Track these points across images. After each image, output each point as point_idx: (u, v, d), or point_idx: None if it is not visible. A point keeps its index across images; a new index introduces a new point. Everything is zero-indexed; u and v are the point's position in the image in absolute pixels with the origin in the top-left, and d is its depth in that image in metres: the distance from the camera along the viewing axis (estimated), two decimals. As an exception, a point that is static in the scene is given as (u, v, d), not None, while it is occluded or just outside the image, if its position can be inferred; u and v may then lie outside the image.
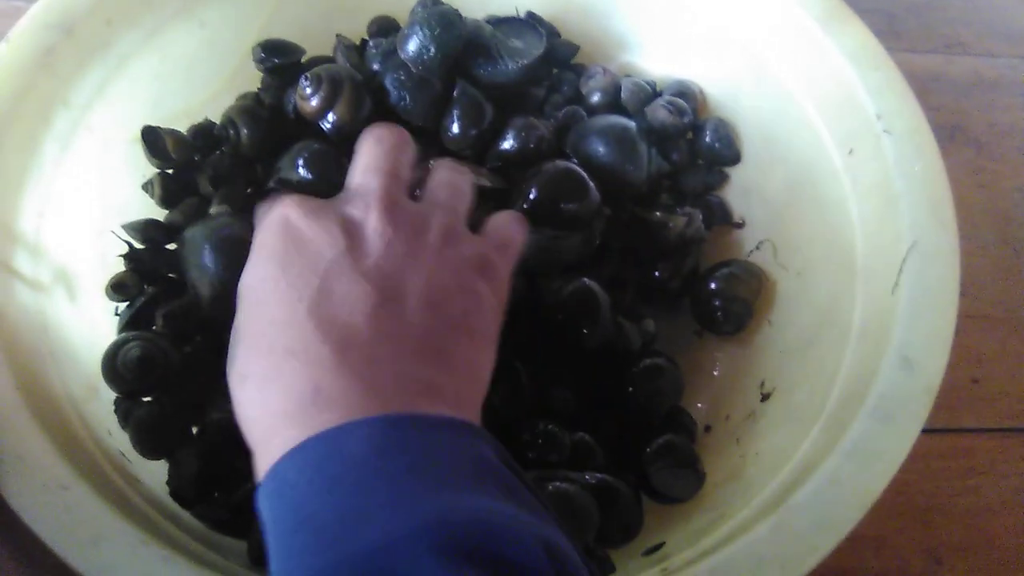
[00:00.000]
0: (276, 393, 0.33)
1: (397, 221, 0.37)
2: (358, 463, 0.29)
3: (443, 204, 0.41)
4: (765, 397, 0.47)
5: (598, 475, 0.42)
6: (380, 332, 0.34)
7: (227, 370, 0.36)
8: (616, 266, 0.51)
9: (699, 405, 0.50)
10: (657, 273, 0.52)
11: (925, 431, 0.40)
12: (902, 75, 0.47)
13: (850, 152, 0.46)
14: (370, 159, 0.41)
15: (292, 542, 0.29)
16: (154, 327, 0.45)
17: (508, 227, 0.43)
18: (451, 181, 0.42)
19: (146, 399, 0.43)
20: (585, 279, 0.47)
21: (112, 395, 0.42)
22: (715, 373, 0.51)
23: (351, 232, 0.37)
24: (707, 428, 0.49)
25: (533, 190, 0.46)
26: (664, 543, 0.41)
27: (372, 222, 0.37)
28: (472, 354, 0.36)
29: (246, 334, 0.36)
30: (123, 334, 0.45)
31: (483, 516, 0.27)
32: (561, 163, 0.47)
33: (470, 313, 0.37)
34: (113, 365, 0.43)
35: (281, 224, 0.38)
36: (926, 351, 0.38)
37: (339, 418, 0.31)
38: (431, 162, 0.49)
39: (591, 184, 0.46)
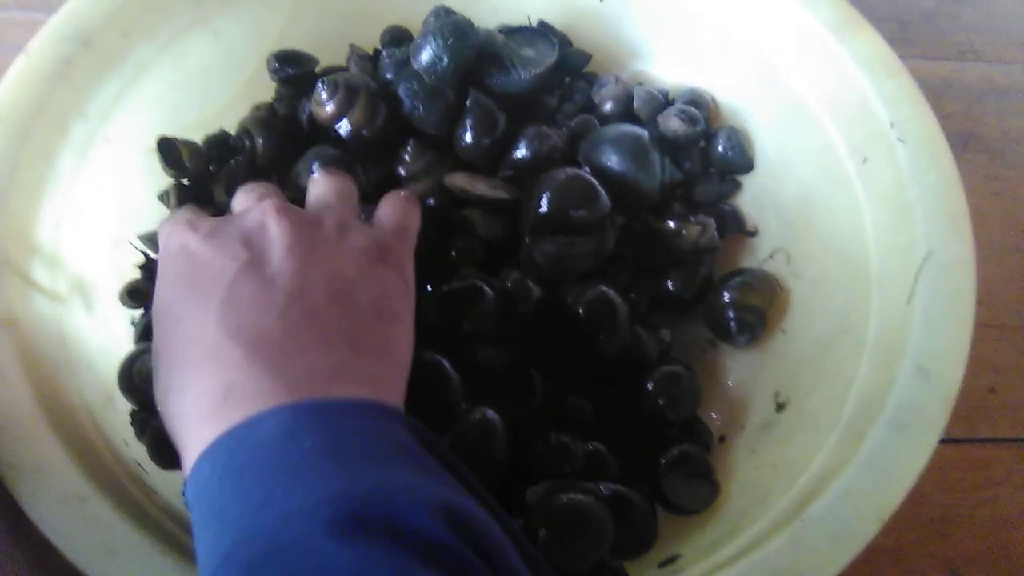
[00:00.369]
0: (192, 399, 0.33)
1: (292, 222, 0.39)
2: (264, 451, 0.30)
3: (331, 204, 0.42)
4: (780, 407, 0.47)
5: (612, 486, 0.42)
6: (289, 328, 0.35)
7: (153, 392, 0.37)
8: (629, 275, 0.51)
9: (713, 415, 0.50)
10: (670, 282, 0.52)
11: (941, 441, 0.40)
12: (916, 83, 0.46)
13: (864, 160, 0.46)
14: (248, 195, 0.43)
15: (204, 536, 0.30)
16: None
17: (398, 211, 0.44)
18: (334, 186, 0.43)
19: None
20: (602, 287, 0.47)
21: (128, 405, 0.43)
22: (729, 383, 0.51)
23: (250, 242, 0.38)
24: (722, 438, 0.49)
25: (543, 198, 0.46)
26: (679, 555, 0.41)
27: (270, 227, 0.38)
28: (384, 336, 0.37)
29: (163, 353, 0.36)
30: (139, 345, 0.45)
31: (381, 487, 0.28)
32: (570, 170, 0.47)
33: (377, 299, 0.38)
34: (129, 376, 0.43)
35: (180, 251, 0.39)
36: (943, 361, 0.38)
37: (250, 413, 0.31)
38: (445, 178, 0.49)
39: (601, 190, 0.46)
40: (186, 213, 0.41)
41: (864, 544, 0.34)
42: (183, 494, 0.32)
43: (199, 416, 0.33)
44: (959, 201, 0.43)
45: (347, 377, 0.34)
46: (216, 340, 0.34)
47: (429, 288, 0.45)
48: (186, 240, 0.39)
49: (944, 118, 0.46)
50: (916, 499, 0.51)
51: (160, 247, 0.41)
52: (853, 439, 0.38)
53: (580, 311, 0.46)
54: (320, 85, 0.48)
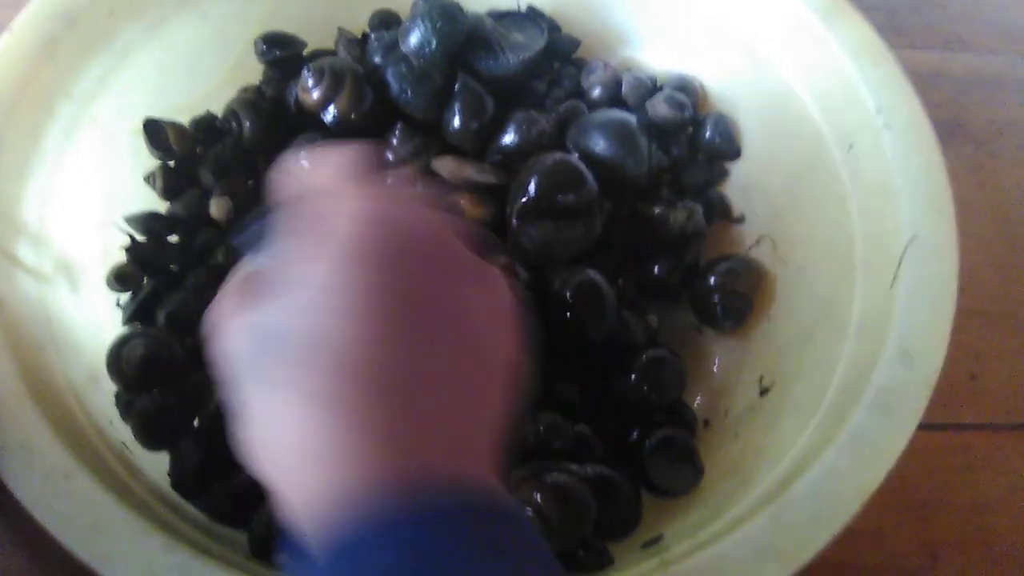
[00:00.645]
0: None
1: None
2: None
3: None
4: (764, 391, 0.47)
5: (597, 468, 0.43)
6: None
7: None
8: (617, 260, 0.51)
9: (698, 399, 0.50)
10: (657, 268, 0.52)
11: (923, 427, 0.40)
12: (902, 70, 0.47)
13: (850, 147, 0.46)
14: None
15: None
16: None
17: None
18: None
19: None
20: (590, 271, 0.47)
21: (113, 386, 0.43)
22: (714, 368, 0.51)
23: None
24: (706, 422, 0.49)
25: (531, 183, 0.46)
26: (662, 536, 0.41)
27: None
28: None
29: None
30: (128, 329, 0.45)
31: None
32: (558, 154, 0.47)
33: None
34: (117, 361, 0.43)
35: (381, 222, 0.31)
36: (924, 344, 0.38)
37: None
38: (433, 162, 0.49)
39: (588, 175, 0.46)
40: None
41: (844, 524, 0.35)
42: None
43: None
44: (943, 187, 0.43)
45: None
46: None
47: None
48: (382, 217, 0.30)
49: (931, 107, 0.46)
50: (897, 483, 0.51)
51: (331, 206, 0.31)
52: (835, 421, 0.38)
53: (567, 296, 0.46)
54: (306, 71, 0.47)
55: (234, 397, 0.29)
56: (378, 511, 0.25)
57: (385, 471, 0.26)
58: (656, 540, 0.41)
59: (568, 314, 0.46)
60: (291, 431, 0.27)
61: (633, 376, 0.47)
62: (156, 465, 0.41)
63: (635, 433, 0.47)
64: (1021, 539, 0.51)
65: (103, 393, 0.42)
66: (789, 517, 0.34)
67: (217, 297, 0.32)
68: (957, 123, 0.68)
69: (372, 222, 0.30)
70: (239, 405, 0.29)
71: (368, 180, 0.34)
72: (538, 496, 0.38)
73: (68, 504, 0.32)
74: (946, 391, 0.55)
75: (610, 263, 0.51)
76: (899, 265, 0.41)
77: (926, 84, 0.69)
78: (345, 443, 0.26)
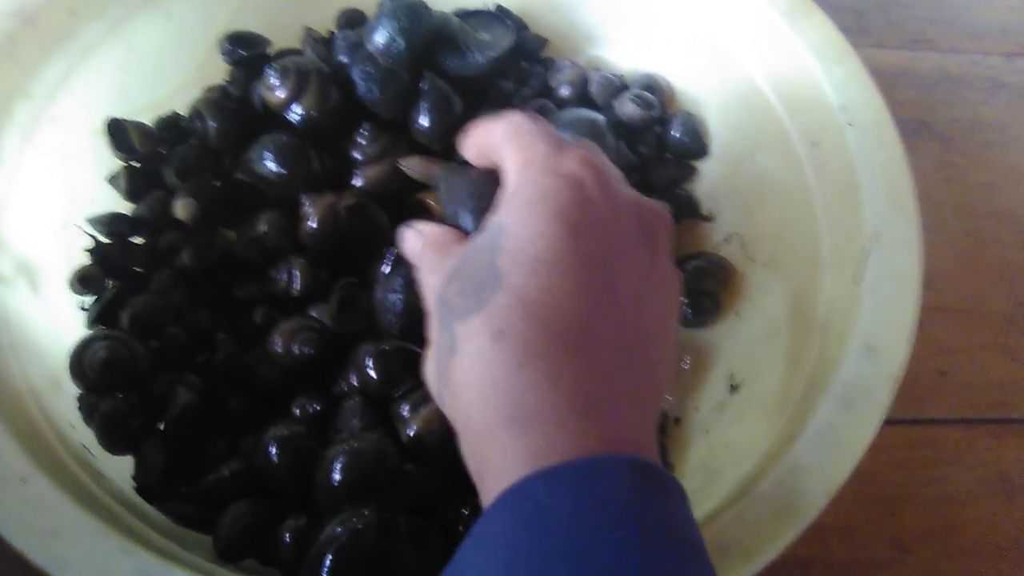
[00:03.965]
0: (551, 391, 0.28)
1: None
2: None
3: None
4: (734, 388, 0.47)
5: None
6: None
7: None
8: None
9: (669, 397, 0.50)
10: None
11: (892, 422, 0.41)
12: (866, 68, 0.47)
13: (814, 144, 0.47)
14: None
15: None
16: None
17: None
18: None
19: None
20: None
21: (75, 388, 0.42)
22: (684, 365, 0.51)
23: (641, 218, 0.34)
24: (677, 420, 0.49)
25: None
26: (632, 533, 0.41)
27: (659, 212, 0.35)
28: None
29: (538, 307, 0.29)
30: (91, 332, 0.44)
31: None
32: None
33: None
34: (80, 363, 0.42)
35: (576, 192, 0.31)
36: (889, 339, 0.39)
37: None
38: (400, 161, 0.49)
39: None
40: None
41: (811, 519, 0.35)
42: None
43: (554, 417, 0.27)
44: (906, 183, 0.44)
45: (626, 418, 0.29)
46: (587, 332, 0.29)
47: (386, 270, 0.45)
48: (584, 179, 0.32)
49: (897, 106, 0.47)
50: (866, 478, 0.52)
51: (539, 166, 0.32)
52: (802, 417, 0.38)
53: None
54: (270, 70, 0.47)
55: (430, 330, 0.32)
56: (564, 466, 0.26)
57: (575, 435, 0.27)
58: (626, 538, 0.41)
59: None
60: (476, 365, 0.29)
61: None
62: (119, 470, 0.40)
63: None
64: (989, 531, 0.52)
65: (65, 396, 0.41)
66: (755, 513, 0.34)
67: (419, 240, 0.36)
68: (923, 121, 0.69)
69: (573, 181, 0.31)
70: (432, 335, 0.32)
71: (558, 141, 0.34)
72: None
73: (24, 509, 0.32)
74: (915, 386, 0.56)
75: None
76: (863, 261, 0.41)
77: (892, 83, 0.70)
78: (539, 397, 0.28)
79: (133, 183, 0.49)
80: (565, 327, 0.29)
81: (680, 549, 0.26)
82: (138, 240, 0.49)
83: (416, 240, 0.37)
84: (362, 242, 0.47)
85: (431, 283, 0.34)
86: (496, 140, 0.35)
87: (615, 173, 0.35)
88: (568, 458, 0.26)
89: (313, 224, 0.46)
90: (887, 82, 0.48)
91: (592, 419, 0.28)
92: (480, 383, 0.29)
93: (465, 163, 0.50)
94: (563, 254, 0.30)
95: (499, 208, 0.33)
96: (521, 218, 0.31)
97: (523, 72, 0.56)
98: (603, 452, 0.27)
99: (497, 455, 0.28)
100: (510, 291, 0.29)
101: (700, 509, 0.38)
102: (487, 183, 0.36)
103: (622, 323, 0.30)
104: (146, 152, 0.49)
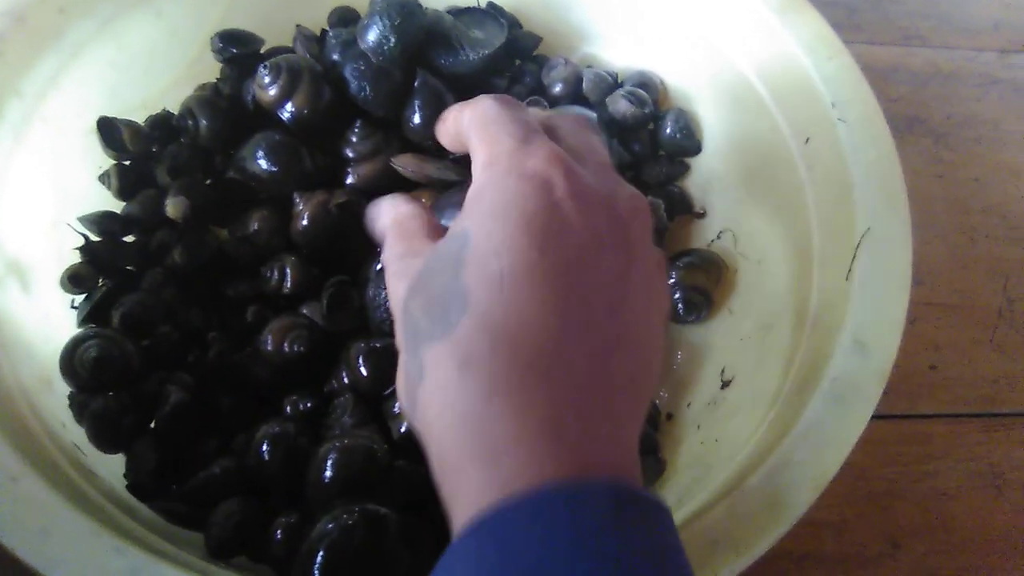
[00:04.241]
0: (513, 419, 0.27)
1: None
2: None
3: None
4: (726, 384, 0.47)
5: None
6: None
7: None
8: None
9: (662, 394, 0.51)
10: (620, 263, 0.52)
11: (884, 417, 0.41)
12: (857, 64, 0.47)
13: (806, 141, 0.47)
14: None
15: None
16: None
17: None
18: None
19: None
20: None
21: (66, 387, 0.42)
22: (677, 361, 0.52)
23: (617, 221, 0.32)
24: (669, 416, 0.49)
25: None
26: (625, 529, 0.41)
27: (641, 206, 0.33)
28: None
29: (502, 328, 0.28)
30: (82, 330, 0.44)
31: None
32: None
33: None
34: (71, 362, 0.42)
35: (545, 199, 0.30)
36: (879, 334, 0.39)
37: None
38: (393, 160, 0.49)
39: None
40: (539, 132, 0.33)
41: (801, 513, 0.35)
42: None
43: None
44: (897, 179, 0.44)
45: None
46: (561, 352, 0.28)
47: (378, 267, 0.45)
48: (551, 179, 0.30)
49: (890, 102, 0.47)
50: (858, 474, 0.52)
51: (504, 166, 0.31)
52: (792, 412, 0.38)
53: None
54: (262, 69, 0.47)
55: (404, 343, 0.31)
56: (532, 495, 0.25)
57: (545, 465, 0.26)
58: (618, 534, 0.41)
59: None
60: (444, 395, 0.28)
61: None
62: (111, 469, 0.40)
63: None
64: (980, 526, 0.52)
65: (55, 395, 0.41)
66: (745, 508, 0.35)
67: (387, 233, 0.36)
68: (915, 117, 0.69)
69: (540, 183, 0.30)
70: (401, 353, 0.31)
71: (535, 136, 0.33)
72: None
73: (14, 508, 0.32)
74: (906, 382, 0.56)
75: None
76: (854, 257, 0.41)
77: (885, 79, 0.70)
78: (508, 429, 0.26)
79: (124, 182, 0.49)
80: (535, 353, 0.27)
81: None
82: (129, 239, 0.49)
83: (388, 215, 0.37)
84: (354, 240, 0.47)
85: (396, 289, 0.33)
86: (464, 128, 0.35)
87: (594, 160, 0.34)
88: (539, 488, 0.25)
89: (304, 222, 0.46)
90: (879, 78, 0.48)
91: (565, 445, 0.26)
92: (448, 413, 0.28)
93: (457, 161, 0.50)
94: (530, 268, 0.28)
95: (464, 212, 0.31)
96: (486, 227, 0.30)
97: (516, 70, 0.56)
98: (576, 479, 0.25)
99: (465, 486, 0.27)
100: (477, 316, 0.28)
101: (691, 504, 0.38)
102: None
103: (598, 335, 0.29)
104: (137, 151, 0.49)
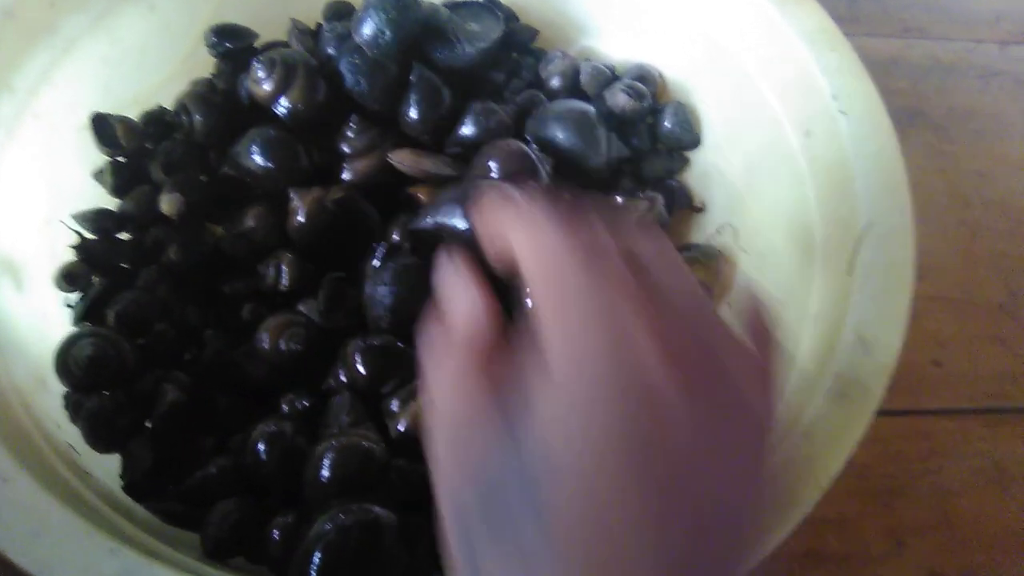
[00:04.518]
0: None
1: None
2: None
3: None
4: (726, 380, 0.47)
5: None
6: None
7: None
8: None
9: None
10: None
11: (887, 413, 0.40)
12: (858, 56, 0.47)
13: (807, 134, 0.46)
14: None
15: None
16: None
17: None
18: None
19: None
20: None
21: (61, 388, 0.41)
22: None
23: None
24: (670, 413, 0.49)
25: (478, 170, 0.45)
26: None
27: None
28: None
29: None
30: (77, 329, 0.44)
31: None
32: (504, 142, 0.46)
33: None
34: (65, 361, 0.42)
35: (629, 373, 0.24)
36: (882, 330, 0.38)
37: None
38: (389, 155, 0.48)
39: (539, 165, 0.46)
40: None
41: (806, 512, 0.34)
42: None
43: None
44: (899, 172, 0.43)
45: None
46: None
47: (376, 263, 0.44)
48: (648, 366, 0.24)
49: (890, 95, 0.46)
50: (861, 471, 0.52)
51: (583, 347, 0.25)
52: (795, 409, 0.38)
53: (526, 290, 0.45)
54: (256, 63, 0.46)
55: (458, 552, 0.25)
56: None
57: None
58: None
59: (527, 307, 0.45)
60: None
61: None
62: (106, 470, 0.40)
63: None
64: (985, 522, 0.51)
65: (51, 395, 0.41)
66: (748, 505, 0.34)
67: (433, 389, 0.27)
68: (916, 110, 0.68)
69: (631, 367, 0.24)
70: (454, 553, 0.25)
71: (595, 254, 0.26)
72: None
73: (6, 509, 0.31)
74: (909, 377, 0.56)
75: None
76: (855, 252, 0.40)
77: (885, 71, 0.69)
78: None
79: (118, 179, 0.48)
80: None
81: None
82: (124, 236, 0.48)
83: (461, 312, 0.28)
84: (351, 237, 0.47)
85: (446, 465, 0.27)
86: (517, 257, 0.27)
87: (693, 307, 0.27)
88: None
89: (301, 218, 0.45)
90: (880, 71, 0.47)
91: None
92: None
93: (457, 158, 0.50)
94: (626, 499, 0.23)
95: (537, 402, 0.25)
96: (565, 433, 0.24)
97: (513, 63, 0.56)
98: None
99: None
100: (557, 557, 0.23)
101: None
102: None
103: (696, 553, 0.24)
104: (131, 147, 0.48)
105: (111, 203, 0.48)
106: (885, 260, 0.40)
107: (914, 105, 0.69)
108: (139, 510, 0.39)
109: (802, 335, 0.42)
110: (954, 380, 0.56)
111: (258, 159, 0.46)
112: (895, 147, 0.44)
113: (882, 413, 0.37)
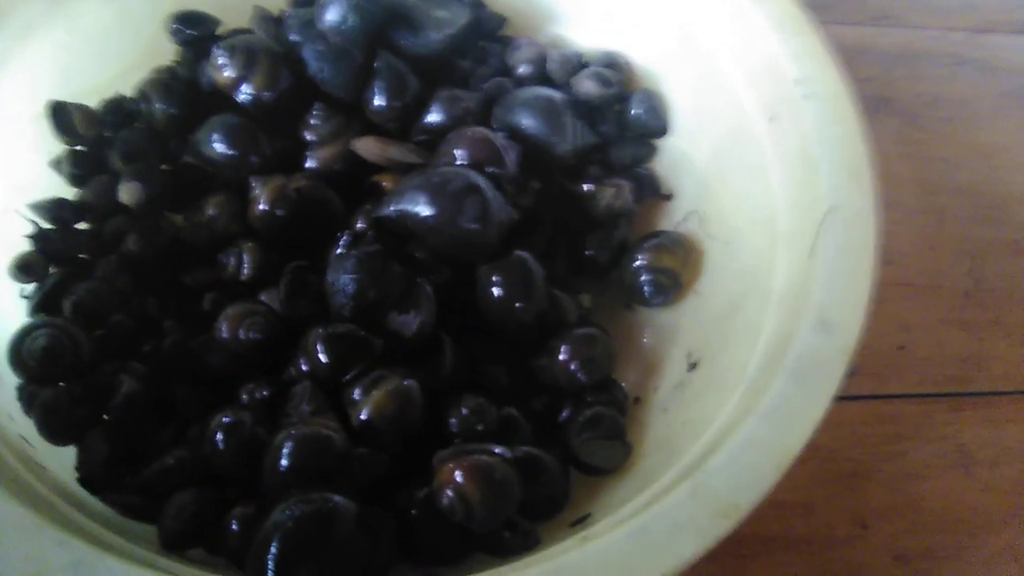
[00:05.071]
0: None
1: None
2: None
3: None
4: (692, 366, 0.47)
5: (523, 448, 0.42)
6: None
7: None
8: (548, 240, 0.51)
9: (630, 377, 0.50)
10: (587, 246, 0.52)
11: (852, 398, 0.40)
12: (824, 41, 0.47)
13: (772, 118, 0.46)
14: None
15: None
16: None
17: None
18: None
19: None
20: (518, 251, 0.46)
21: (15, 379, 0.41)
22: (644, 345, 0.51)
23: None
24: (636, 400, 0.49)
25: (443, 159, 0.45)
26: (591, 514, 0.41)
27: None
28: None
29: None
30: (31, 320, 0.43)
31: None
32: (470, 130, 0.46)
33: None
34: (19, 352, 0.41)
35: None
36: (843, 312, 0.38)
37: None
38: (353, 143, 0.48)
39: (504, 153, 0.45)
40: None
41: (764, 493, 0.34)
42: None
43: None
44: (862, 156, 0.43)
45: None
46: None
47: (339, 252, 0.44)
48: None
49: (860, 82, 0.46)
50: (826, 455, 0.52)
51: None
52: (756, 392, 0.38)
53: (494, 275, 0.45)
54: (216, 49, 0.46)
55: None
56: None
57: None
58: (584, 519, 0.41)
59: (496, 294, 0.45)
60: None
61: (562, 355, 0.46)
62: (61, 461, 0.39)
63: (564, 412, 0.46)
64: (949, 506, 0.52)
65: (4, 387, 0.40)
66: (708, 488, 0.34)
67: None
68: (885, 97, 0.69)
69: None
70: None
71: None
72: (459, 476, 0.37)
73: (-48, 503, 0.30)
74: (874, 362, 0.56)
75: (540, 242, 0.50)
76: (817, 234, 0.40)
77: (854, 59, 0.69)
78: None
79: (77, 168, 0.48)
80: None
81: None
82: (82, 226, 0.47)
83: None
84: (314, 225, 0.46)
85: None
86: None
87: None
88: None
89: (262, 207, 0.45)
90: (850, 58, 0.47)
91: None
92: None
93: (424, 145, 0.49)
94: None
95: None
96: None
97: (481, 51, 0.55)
98: None
99: None
100: None
101: (654, 487, 0.38)
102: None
103: None
104: (90, 136, 0.48)
105: (69, 193, 0.47)
106: (847, 244, 0.40)
107: (883, 92, 0.69)
108: (95, 504, 0.39)
109: (767, 319, 0.42)
110: (919, 364, 0.57)
111: (219, 147, 0.46)
112: (859, 132, 0.44)
113: (848, 397, 0.37)
